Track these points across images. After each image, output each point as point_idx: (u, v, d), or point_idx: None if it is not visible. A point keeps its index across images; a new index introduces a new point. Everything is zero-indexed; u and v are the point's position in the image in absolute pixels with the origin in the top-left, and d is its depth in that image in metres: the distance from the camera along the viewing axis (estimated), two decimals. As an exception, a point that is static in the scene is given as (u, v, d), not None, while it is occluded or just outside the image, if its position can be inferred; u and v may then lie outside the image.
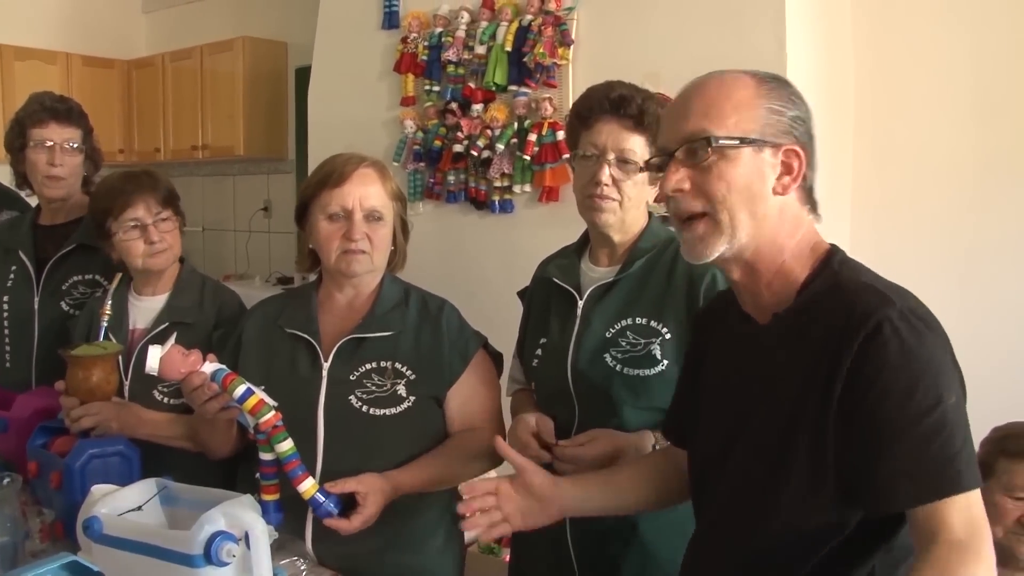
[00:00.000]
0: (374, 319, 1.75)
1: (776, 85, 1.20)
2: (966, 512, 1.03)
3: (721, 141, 1.14)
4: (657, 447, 1.61)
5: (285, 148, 5.27)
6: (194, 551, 1.29)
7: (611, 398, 1.67)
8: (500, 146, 3.38)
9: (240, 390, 1.52)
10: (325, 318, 1.79)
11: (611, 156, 1.67)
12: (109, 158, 5.45)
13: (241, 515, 1.33)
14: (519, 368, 1.94)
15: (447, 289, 3.42)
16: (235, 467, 1.84)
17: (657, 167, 1.24)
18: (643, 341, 1.67)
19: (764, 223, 1.17)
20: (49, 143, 2.24)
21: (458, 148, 3.51)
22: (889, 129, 3.24)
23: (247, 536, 1.33)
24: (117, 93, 5.66)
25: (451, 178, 3.60)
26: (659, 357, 1.65)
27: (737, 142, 1.15)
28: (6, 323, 2.30)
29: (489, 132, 3.42)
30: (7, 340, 2.30)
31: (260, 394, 1.53)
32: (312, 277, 1.91)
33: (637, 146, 1.67)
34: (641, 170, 1.67)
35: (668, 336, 1.65)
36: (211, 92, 5.21)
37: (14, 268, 2.30)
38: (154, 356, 1.53)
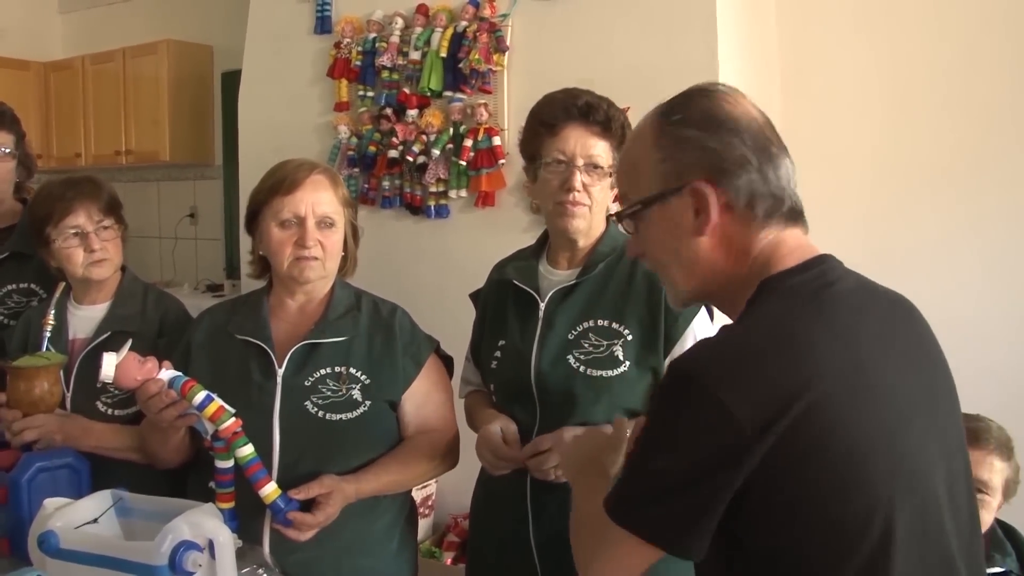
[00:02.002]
0: (327, 325, 1.76)
1: (678, 121, 1.13)
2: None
3: (624, 215, 1.20)
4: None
5: (212, 153, 5.18)
6: (158, 562, 1.29)
7: (573, 399, 1.70)
8: (435, 151, 3.39)
9: (200, 397, 1.52)
10: (277, 324, 1.78)
11: (580, 162, 1.70)
12: (26, 163, 5.29)
13: (205, 524, 1.34)
14: (473, 370, 1.96)
15: (383, 294, 3.44)
16: (184, 477, 1.82)
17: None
18: (605, 343, 1.71)
19: (696, 267, 1.14)
20: None
21: (393, 154, 3.51)
22: (812, 135, 3.34)
23: (211, 545, 1.33)
24: (34, 96, 5.46)
25: (386, 183, 3.59)
26: (621, 358, 1.69)
27: (639, 207, 1.16)
28: (-63, 335, 2.22)
29: (424, 138, 3.43)
30: (-61, 352, 2.23)
31: (219, 400, 1.53)
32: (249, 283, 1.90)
33: (604, 152, 1.72)
34: (608, 175, 1.72)
35: (630, 338, 1.70)
36: (134, 96, 5.08)
37: (-57, 278, 2.23)
38: (109, 363, 1.52)
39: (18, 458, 1.69)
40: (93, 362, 1.68)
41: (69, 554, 1.35)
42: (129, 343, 1.56)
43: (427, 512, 3.42)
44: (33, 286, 2.18)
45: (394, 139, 3.51)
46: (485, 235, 3.36)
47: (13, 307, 2.18)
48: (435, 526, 3.49)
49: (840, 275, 1.14)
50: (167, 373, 1.54)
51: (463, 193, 3.41)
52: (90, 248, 1.91)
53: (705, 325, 1.74)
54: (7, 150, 2.22)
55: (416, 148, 3.44)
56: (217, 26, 5.01)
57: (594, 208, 1.73)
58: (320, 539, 1.61)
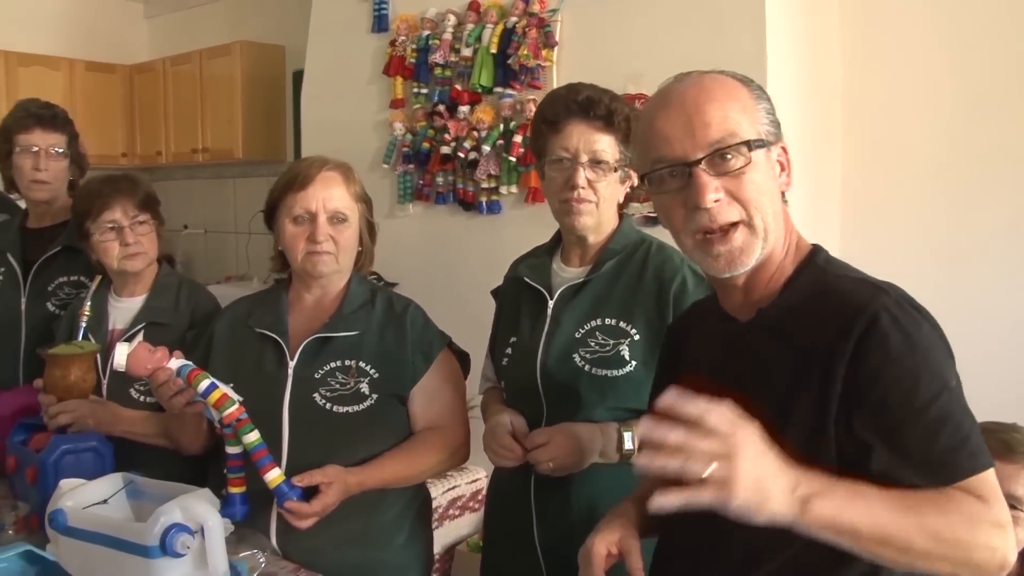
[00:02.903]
0: (340, 319, 1.79)
1: (756, 85, 1.21)
2: (982, 487, 1.03)
3: (755, 144, 1.13)
4: (623, 432, 1.63)
5: (284, 150, 5.32)
6: (150, 542, 1.35)
7: (578, 398, 1.69)
8: (486, 147, 3.42)
9: (204, 384, 1.58)
10: (294, 318, 1.83)
11: (584, 158, 1.69)
12: (112, 161, 5.56)
13: (197, 508, 1.39)
14: (491, 367, 1.97)
15: (436, 289, 3.50)
16: (207, 463, 1.89)
17: (646, 180, 1.21)
18: (612, 342, 1.69)
19: (780, 222, 1.19)
20: (34, 148, 2.30)
21: (446, 150, 3.56)
22: (878, 127, 3.26)
23: (203, 529, 1.38)
24: (119, 98, 5.72)
25: (440, 180, 3.64)
26: (627, 358, 1.67)
27: (761, 144, 1.15)
28: (-6, 324, 2.37)
29: (476, 134, 3.46)
30: (-4, 340, 2.37)
31: (224, 388, 1.59)
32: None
33: (608, 146, 1.69)
34: (615, 170, 1.70)
35: (637, 337, 1.68)
36: (210, 96, 5.26)
37: (2, 270, 2.37)
38: (121, 353, 1.59)
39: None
40: None
41: (75, 531, 1.42)
42: (141, 334, 1.63)
43: (476, 507, 3.45)
44: (83, 279, 2.29)
45: (447, 135, 3.55)
46: (536, 231, 3.32)
47: (64, 298, 2.29)
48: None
49: None
50: (176, 362, 1.61)
51: (514, 189, 3.43)
52: (125, 242, 2.00)
53: None
54: (60, 150, 2.34)
55: (467, 144, 3.48)
56: (289, 26, 5.14)
57: (601, 204, 1.71)
58: (325, 528, 1.64)
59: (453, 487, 3.36)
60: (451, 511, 3.36)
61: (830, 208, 3.27)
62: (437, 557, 3.27)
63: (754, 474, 0.97)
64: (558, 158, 1.71)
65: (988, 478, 1.04)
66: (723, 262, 1.17)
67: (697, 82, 1.18)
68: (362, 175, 3.89)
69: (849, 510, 0.99)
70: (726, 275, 1.18)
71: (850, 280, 1.16)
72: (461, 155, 3.50)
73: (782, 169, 1.21)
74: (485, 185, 3.49)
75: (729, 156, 1.13)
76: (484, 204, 3.51)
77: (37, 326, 2.28)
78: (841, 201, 3.32)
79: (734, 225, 1.15)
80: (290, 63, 5.25)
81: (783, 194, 1.23)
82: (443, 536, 3.31)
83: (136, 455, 1.86)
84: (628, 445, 1.63)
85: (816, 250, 1.23)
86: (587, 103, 1.69)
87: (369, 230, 1.86)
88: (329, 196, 1.75)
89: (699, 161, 1.13)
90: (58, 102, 2.45)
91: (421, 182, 3.73)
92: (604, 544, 1.29)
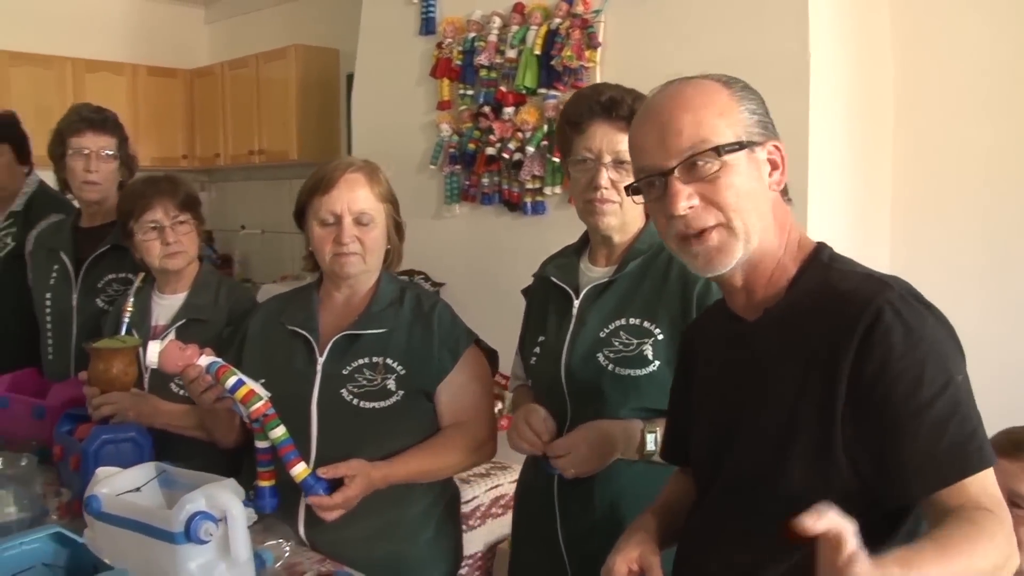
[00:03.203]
0: (369, 317, 1.83)
1: (741, 85, 1.20)
2: (987, 488, 1.03)
3: (726, 149, 1.14)
4: (647, 433, 1.63)
5: (338, 152, 5.41)
6: (176, 529, 1.39)
7: (602, 397, 1.69)
8: (531, 148, 3.43)
9: (231, 381, 1.62)
10: (324, 316, 1.87)
11: (607, 159, 1.69)
12: (173, 164, 5.72)
13: (221, 497, 1.42)
14: (520, 365, 1.98)
15: (481, 289, 3.52)
16: (243, 457, 1.94)
17: (636, 191, 1.23)
18: (636, 341, 1.69)
19: (766, 219, 1.18)
20: (86, 151, 2.40)
21: (491, 151, 3.58)
22: (930, 128, 3.17)
23: (227, 517, 1.42)
24: (180, 101, 5.89)
25: (486, 180, 3.67)
26: (651, 358, 1.67)
27: (737, 147, 1.15)
28: (48, 318, 2.47)
29: (520, 135, 3.48)
30: (49, 334, 2.48)
31: (251, 384, 1.63)
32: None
33: None
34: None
35: (661, 337, 1.67)
36: (266, 99, 5.38)
37: (56, 267, 2.47)
38: (153, 351, 1.66)
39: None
40: None
41: (108, 516, 1.47)
42: (173, 332, 1.68)
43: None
44: (130, 276, 2.36)
45: (492, 137, 3.58)
46: (580, 231, 3.35)
47: (112, 295, 2.38)
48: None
49: None
50: (205, 359, 1.66)
51: (558, 190, 3.43)
52: (166, 241, 2.07)
53: None
54: (110, 152, 2.43)
55: (512, 145, 3.50)
56: (344, 30, 5.22)
57: (625, 204, 1.71)
58: (352, 521, 1.68)
59: (496, 486, 3.38)
60: (494, 509, 3.38)
61: (879, 211, 3.20)
62: (479, 555, 3.30)
63: None
64: (581, 159, 1.72)
65: (991, 476, 1.03)
66: (701, 262, 1.19)
67: (675, 90, 1.20)
68: (410, 176, 3.99)
69: None
70: (709, 274, 1.20)
71: (855, 276, 1.15)
72: (506, 156, 3.52)
73: (775, 167, 1.20)
74: (530, 186, 3.50)
75: (701, 163, 1.15)
76: (529, 205, 3.52)
77: (88, 322, 2.37)
78: (891, 204, 3.25)
79: (710, 228, 1.16)
80: (344, 66, 5.33)
81: (785, 192, 1.23)
82: (486, 534, 3.34)
83: (175, 447, 1.92)
84: (650, 447, 1.63)
85: (820, 247, 1.22)
86: (610, 103, 1.69)
87: (396, 229, 1.89)
88: (354, 198, 1.78)
89: (672, 170, 1.16)
90: (121, 106, 2.56)
91: (467, 183, 3.76)
92: (625, 563, 1.29)
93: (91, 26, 5.69)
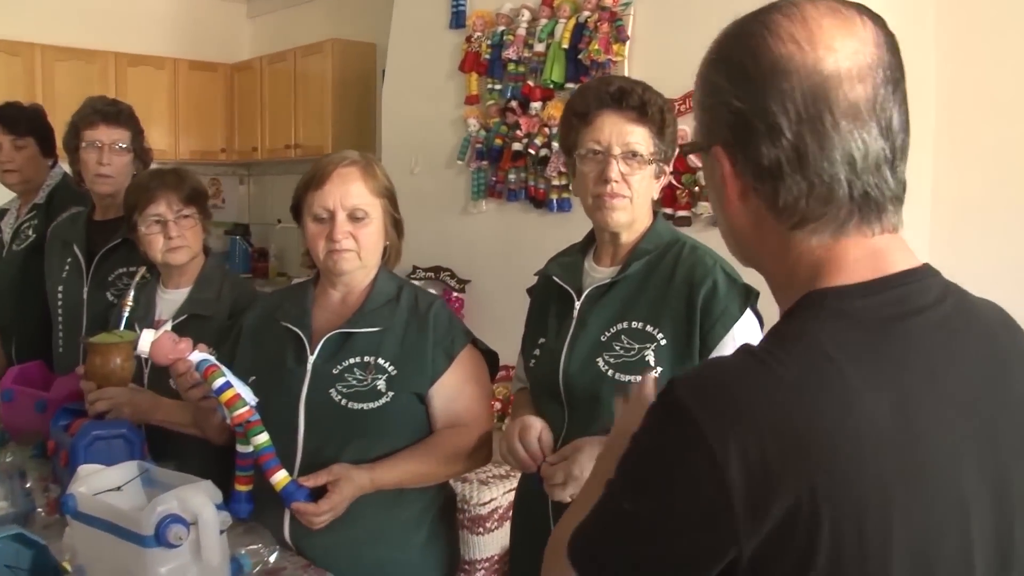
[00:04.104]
0: (363, 315, 1.78)
1: (715, 61, 0.90)
2: None
3: (687, 150, 1.07)
4: None
5: (374, 146, 5.39)
6: (146, 532, 1.35)
7: (600, 403, 1.62)
8: (556, 144, 3.37)
9: (218, 382, 1.59)
10: (319, 313, 1.83)
11: (617, 151, 1.61)
12: (212, 157, 5.77)
13: (193, 500, 1.38)
14: (522, 367, 1.92)
15: (507, 287, 3.46)
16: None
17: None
18: (637, 346, 1.62)
19: (732, 233, 0.94)
20: (99, 144, 2.39)
21: (517, 146, 3.53)
22: (972, 128, 3.07)
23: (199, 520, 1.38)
24: (220, 95, 5.93)
25: (511, 176, 3.62)
26: (652, 363, 1.59)
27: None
28: (60, 311, 2.48)
29: (547, 130, 3.42)
30: (60, 327, 2.48)
31: (239, 388, 1.59)
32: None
33: (642, 138, 1.62)
34: (649, 164, 1.63)
35: (664, 342, 1.60)
36: (303, 93, 5.40)
37: (69, 260, 2.47)
38: (146, 340, 1.62)
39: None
40: None
41: (83, 517, 1.44)
42: (169, 323, 1.65)
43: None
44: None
45: (518, 132, 3.52)
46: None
47: (122, 288, 2.37)
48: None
49: (934, 300, 0.83)
50: (197, 355, 1.62)
51: (584, 187, 3.36)
52: (168, 235, 2.05)
53: (749, 332, 1.59)
54: (123, 145, 2.42)
55: (538, 141, 3.45)
56: (381, 24, 5.21)
57: (635, 200, 1.63)
58: (340, 527, 1.63)
59: (514, 488, 3.32)
60: (511, 512, 3.31)
61: (919, 213, 3.08)
62: (496, 558, 3.23)
63: None
64: (590, 151, 1.64)
65: None
66: None
67: None
68: (439, 171, 3.95)
69: None
70: None
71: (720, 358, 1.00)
72: (532, 152, 3.47)
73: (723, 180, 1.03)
74: (556, 182, 3.44)
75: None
76: (555, 201, 3.47)
77: (97, 315, 2.36)
78: (932, 206, 3.13)
79: None
80: (380, 61, 5.31)
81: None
82: (503, 537, 3.27)
83: (171, 445, 1.90)
84: None
85: (806, 301, 0.90)
86: (619, 94, 1.62)
87: (395, 225, 1.83)
88: (347, 193, 1.73)
89: None
90: (162, 100, 2.55)
91: (494, 179, 3.71)
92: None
93: (134, 21, 5.75)
